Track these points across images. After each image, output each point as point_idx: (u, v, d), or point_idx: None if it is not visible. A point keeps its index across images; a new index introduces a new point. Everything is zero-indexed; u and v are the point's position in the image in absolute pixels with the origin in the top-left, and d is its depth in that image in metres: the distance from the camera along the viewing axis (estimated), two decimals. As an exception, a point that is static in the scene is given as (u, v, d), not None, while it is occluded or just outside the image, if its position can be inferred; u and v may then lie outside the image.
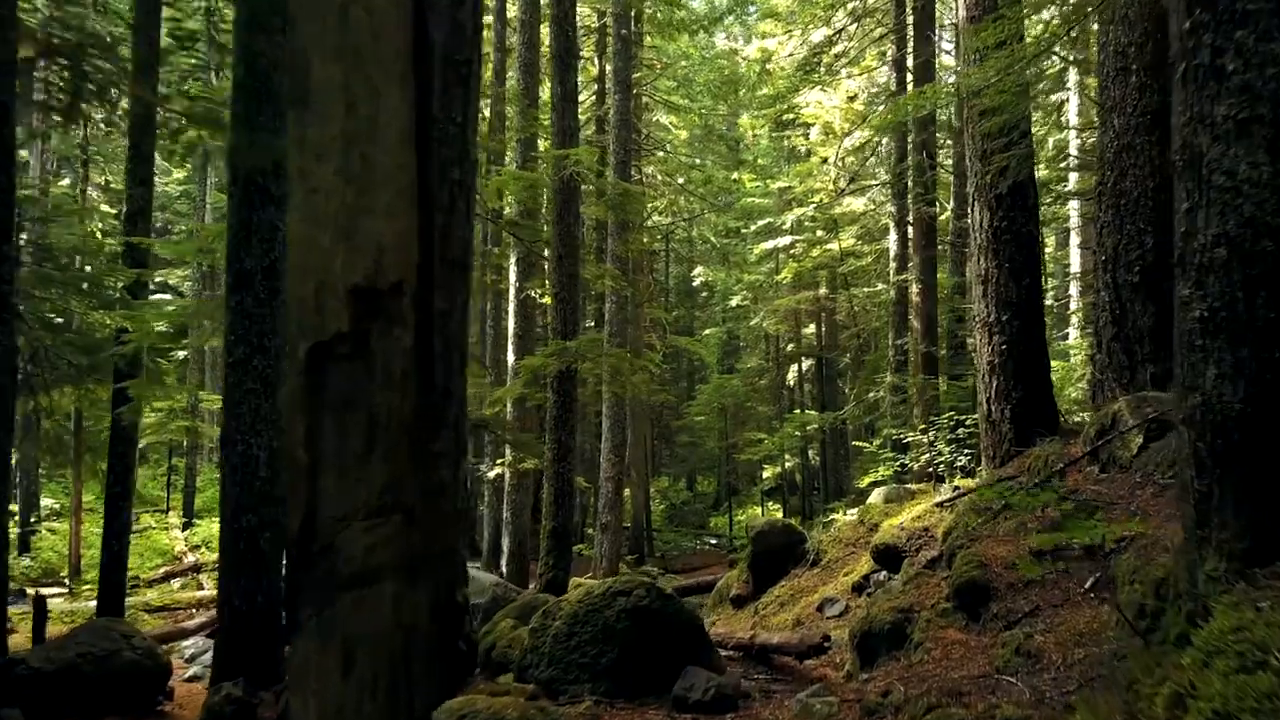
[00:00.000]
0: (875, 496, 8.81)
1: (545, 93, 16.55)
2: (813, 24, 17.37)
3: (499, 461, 14.40)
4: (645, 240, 24.01)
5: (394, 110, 2.37)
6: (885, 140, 18.13)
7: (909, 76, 15.39)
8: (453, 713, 3.59)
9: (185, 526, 21.01)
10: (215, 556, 9.83)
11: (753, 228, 24.98)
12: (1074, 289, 18.00)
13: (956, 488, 7.41)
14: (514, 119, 15.85)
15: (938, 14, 16.11)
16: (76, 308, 8.14)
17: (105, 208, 21.30)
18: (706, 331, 31.38)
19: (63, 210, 9.95)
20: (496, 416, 14.52)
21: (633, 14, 19.11)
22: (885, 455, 12.15)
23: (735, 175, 26.80)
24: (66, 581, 15.66)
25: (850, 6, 16.93)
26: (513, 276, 14.90)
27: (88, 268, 9.17)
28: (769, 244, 22.83)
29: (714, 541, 26.30)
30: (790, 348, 26.93)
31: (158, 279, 28.70)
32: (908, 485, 9.65)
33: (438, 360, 2.62)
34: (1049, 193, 13.44)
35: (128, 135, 8.83)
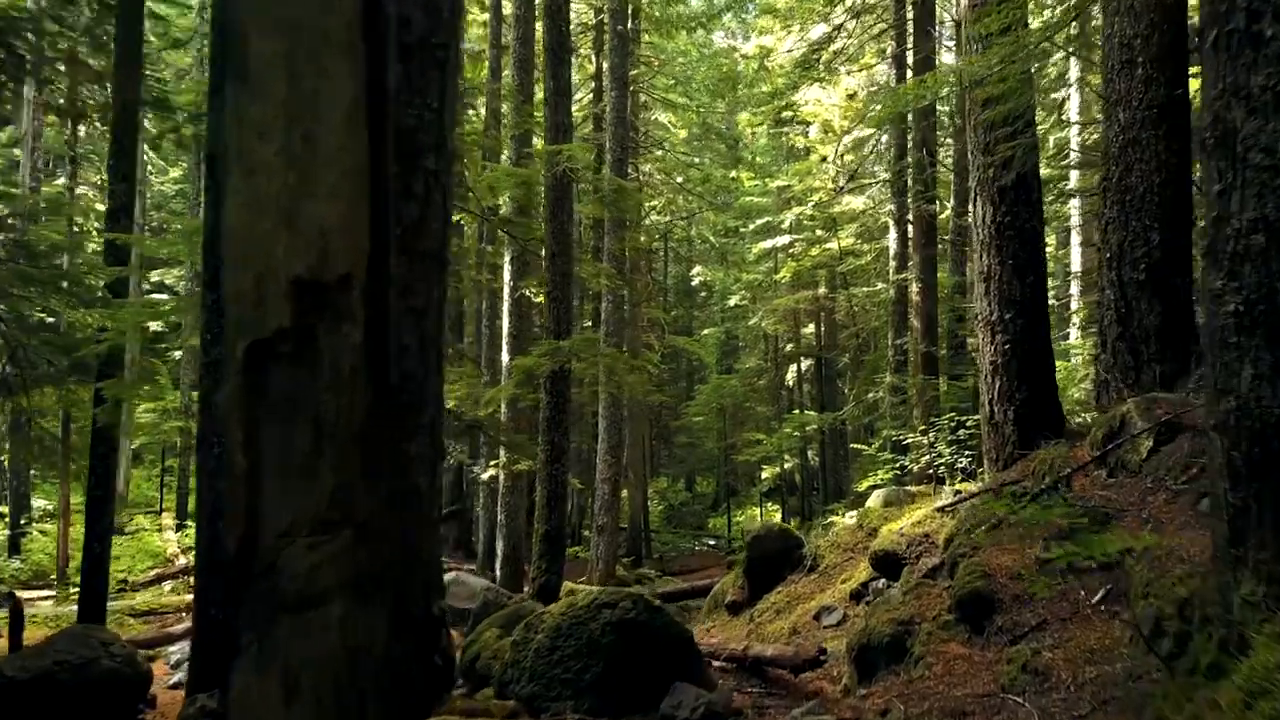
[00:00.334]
0: (874, 499, 8.61)
1: (542, 90, 16.35)
2: (811, 20, 17.19)
3: (492, 463, 14.20)
4: (643, 240, 23.82)
5: (341, 86, 2.16)
6: (885, 138, 17.94)
7: (909, 73, 15.19)
8: (425, 733, 3.38)
9: (178, 528, 20.83)
10: (201, 560, 9.63)
11: (751, 227, 24.80)
12: (1075, 288, 17.84)
13: (958, 491, 7.21)
14: (509, 116, 15.65)
15: (938, 10, 15.91)
16: (57, 306, 7.94)
17: (100, 206, 21.11)
18: (705, 331, 31.19)
19: (50, 208, 9.77)
20: (491, 417, 14.33)
21: (630, 10, 18.93)
22: (884, 457, 11.96)
23: (734, 174, 26.62)
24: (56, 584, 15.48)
25: (850, 3, 16.73)
26: (507, 275, 14.70)
27: (78, 265, 8.96)
28: (768, 243, 22.65)
29: (712, 542, 26.11)
30: (789, 348, 26.74)
31: (154, 278, 28.50)
32: (907, 487, 9.45)
33: (392, 362, 2.41)
34: (1050, 191, 13.25)
35: (109, 130, 8.64)
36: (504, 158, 15.57)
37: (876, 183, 19.98)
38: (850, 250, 20.66)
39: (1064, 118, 17.10)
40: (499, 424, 14.32)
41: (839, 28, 17.47)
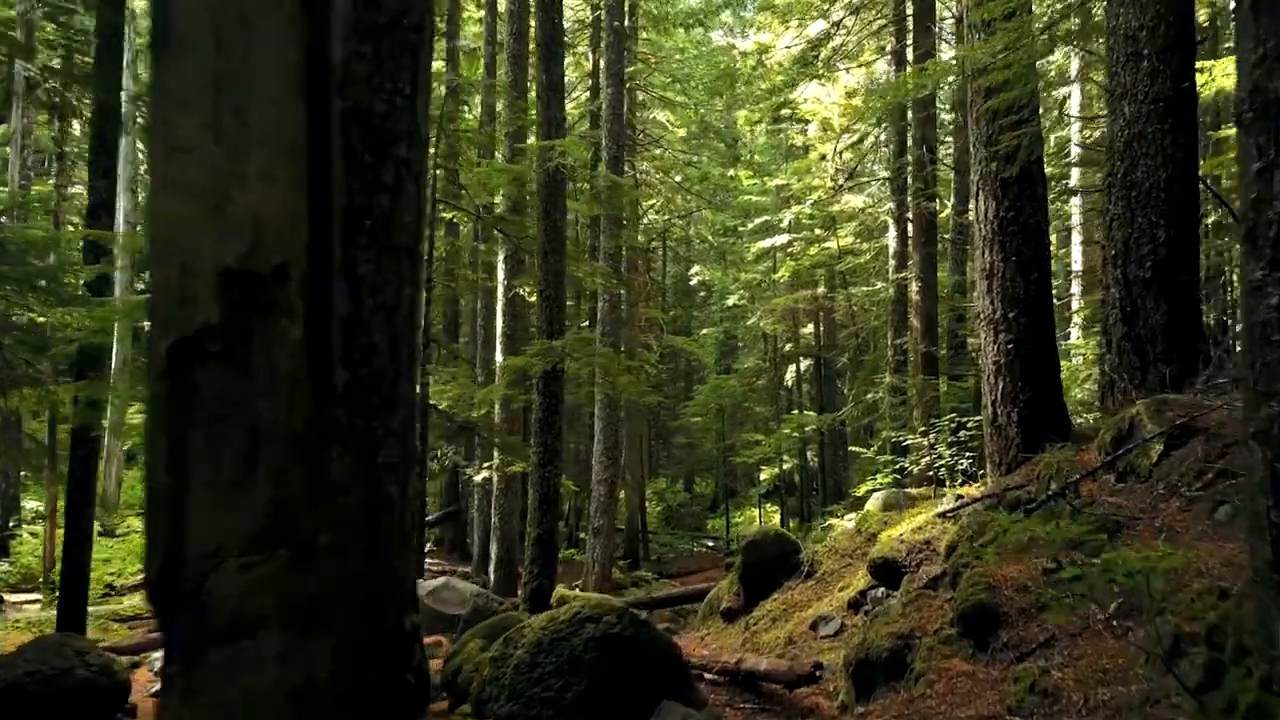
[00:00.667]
0: (873, 502, 8.41)
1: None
2: (810, 16, 17.00)
3: (486, 465, 14.01)
4: (641, 239, 23.63)
5: (277, 55, 1.95)
6: (884, 136, 17.75)
7: (909, 70, 15.00)
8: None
9: (171, 530, 20.59)
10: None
11: (750, 226, 24.60)
12: (1076, 287, 17.68)
13: (960, 496, 7.01)
14: (504, 113, 15.45)
15: (938, 6, 15.71)
16: (33, 305, 7.74)
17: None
18: (704, 331, 30.99)
19: (29, 205, 9.57)
20: (484, 418, 14.14)
21: (626, 6, 18.73)
22: (884, 459, 11.77)
23: (732, 172, 26.42)
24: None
25: (848, -1, 16.55)
26: (501, 274, 14.49)
27: (54, 263, 8.77)
28: (766, 242, 22.45)
29: (711, 544, 25.92)
30: (788, 347, 26.54)
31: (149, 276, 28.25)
32: (907, 490, 9.26)
33: (336, 363, 2.21)
34: (1051, 189, 13.05)
35: (89, 127, 8.45)
36: (499, 155, 15.36)
37: (876, 180, 19.79)
38: (849, 249, 20.47)
39: (1065, 115, 16.93)
40: (492, 425, 14.13)
41: (838, 24, 17.29)
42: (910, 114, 15.51)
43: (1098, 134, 16.38)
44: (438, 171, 13.37)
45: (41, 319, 7.96)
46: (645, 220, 25.11)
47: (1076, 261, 17.56)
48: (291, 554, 1.96)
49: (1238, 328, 14.59)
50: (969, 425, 9.71)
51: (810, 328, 25.70)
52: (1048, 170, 13.56)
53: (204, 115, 1.79)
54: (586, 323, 21.70)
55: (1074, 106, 16.68)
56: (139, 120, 17.97)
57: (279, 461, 1.91)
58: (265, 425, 1.88)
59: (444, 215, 15.99)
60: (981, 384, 7.74)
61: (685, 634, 8.15)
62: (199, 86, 1.79)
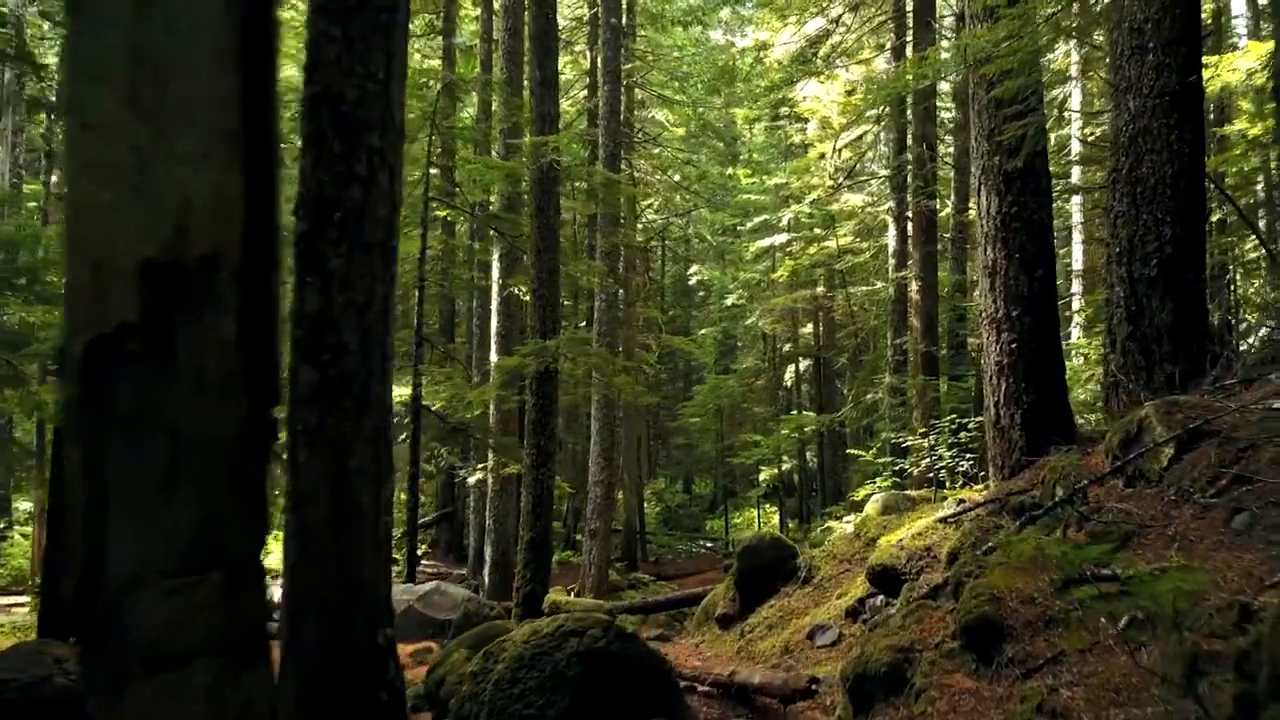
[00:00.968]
0: (872, 505, 8.24)
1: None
2: (809, 13, 16.83)
3: (480, 466, 13.83)
4: (640, 238, 23.44)
5: (206, 19, 1.77)
6: (884, 133, 17.57)
7: (909, 59, 14.81)
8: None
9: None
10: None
11: (749, 225, 24.44)
12: (1076, 286, 17.52)
13: (961, 500, 6.82)
14: (499, 109, 15.27)
15: (938, 2, 15.54)
16: (13, 304, 7.56)
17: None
18: (702, 331, 30.80)
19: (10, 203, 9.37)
20: (478, 419, 13.96)
21: (624, 3, 18.56)
22: (883, 462, 11.59)
23: (731, 171, 26.25)
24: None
25: (848, -5, 16.38)
26: (495, 273, 14.32)
27: (32, 261, 8.58)
28: (765, 241, 22.28)
29: (710, 545, 25.75)
30: (787, 347, 26.38)
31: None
32: (907, 492, 9.10)
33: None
34: (1051, 186, 12.88)
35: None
36: (494, 152, 15.19)
37: (876, 179, 19.63)
38: (849, 248, 20.30)
39: (1065, 115, 16.76)
40: (486, 427, 13.96)
41: (837, 21, 17.13)
42: (910, 111, 15.35)
43: (1100, 132, 16.23)
44: (433, 170, 13.20)
45: (29, 319, 7.80)
46: (643, 219, 24.93)
47: (1077, 260, 17.41)
48: (226, 575, 1.77)
49: (1242, 327, 14.42)
50: (969, 426, 9.55)
51: (809, 327, 25.53)
52: (1050, 168, 13.39)
53: (122, 87, 1.60)
54: (584, 323, 21.53)
55: (1075, 103, 16.51)
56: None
57: (210, 473, 1.72)
58: (194, 433, 1.69)
59: (438, 213, 15.81)
60: (983, 385, 7.56)
61: (680, 640, 7.98)
62: (116, 54, 1.60)
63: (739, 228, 26.06)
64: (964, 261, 14.93)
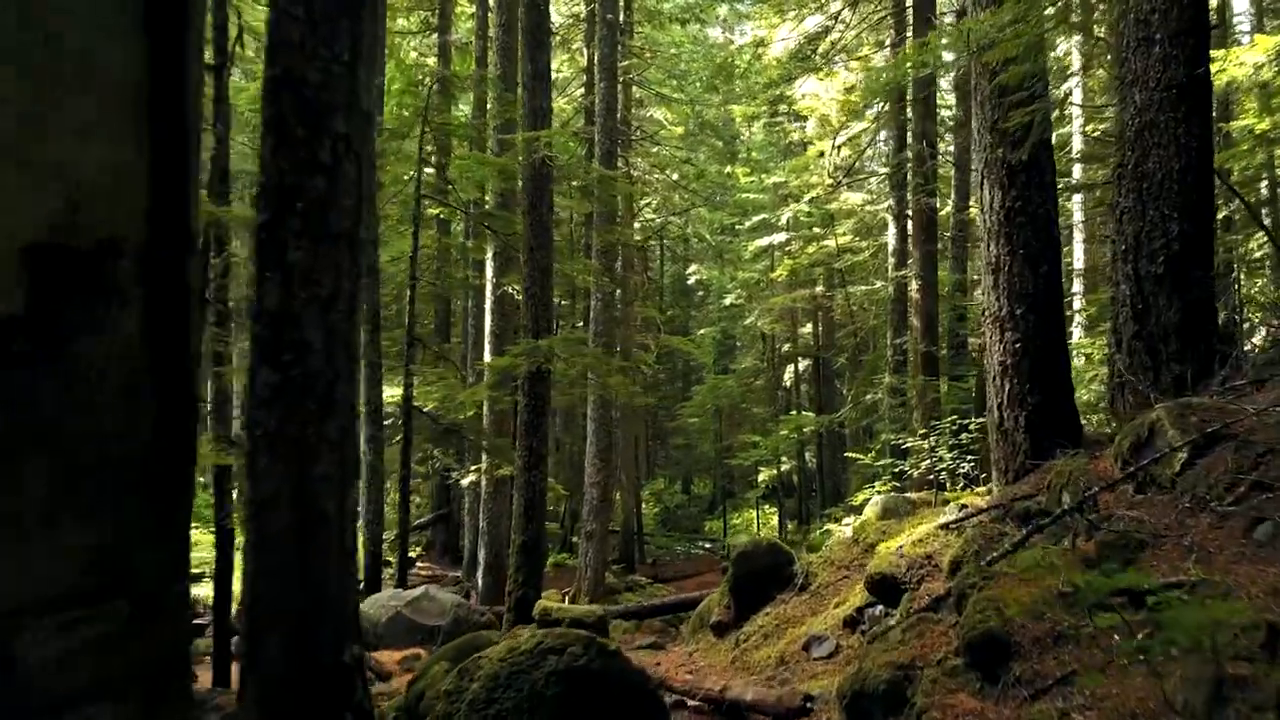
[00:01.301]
0: (871, 508, 8.04)
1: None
2: (807, 9, 16.63)
3: (474, 467, 13.63)
4: (637, 237, 23.24)
5: (104, -38, 1.57)
6: (883, 131, 17.38)
7: (909, 46, 14.61)
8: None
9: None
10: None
11: (747, 224, 24.27)
12: (1078, 285, 17.33)
13: (963, 506, 6.62)
14: (493, 105, 15.06)
15: (939, -3, 15.36)
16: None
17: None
18: (701, 331, 30.62)
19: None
20: (471, 421, 13.77)
21: (621, 0, 18.36)
22: (883, 464, 11.40)
23: (730, 170, 26.08)
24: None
25: (847, -10, 16.19)
26: (489, 272, 14.12)
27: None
28: (764, 240, 22.11)
29: (708, 546, 25.57)
30: (786, 347, 26.20)
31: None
32: (907, 495, 8.90)
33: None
34: (1054, 184, 12.68)
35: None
36: (489, 149, 14.99)
37: (875, 177, 19.44)
38: (848, 247, 20.12)
39: (1066, 111, 16.58)
40: (479, 428, 13.76)
41: (836, 17, 16.93)
42: (910, 108, 15.16)
43: (1102, 129, 16.04)
44: (427, 169, 13.01)
45: None
46: (642, 218, 24.75)
47: (1079, 259, 17.22)
48: (134, 606, 1.56)
49: (1245, 327, 14.23)
50: (970, 427, 9.36)
51: (809, 327, 25.36)
52: (1052, 165, 13.19)
53: (4, 42, 1.39)
54: (581, 323, 21.34)
55: (1076, 101, 16.32)
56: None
57: (110, 491, 1.51)
58: (91, 444, 1.48)
59: (432, 211, 15.62)
60: (986, 386, 7.36)
61: (673, 648, 7.78)
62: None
63: (737, 226, 25.88)
64: (964, 260, 14.75)
